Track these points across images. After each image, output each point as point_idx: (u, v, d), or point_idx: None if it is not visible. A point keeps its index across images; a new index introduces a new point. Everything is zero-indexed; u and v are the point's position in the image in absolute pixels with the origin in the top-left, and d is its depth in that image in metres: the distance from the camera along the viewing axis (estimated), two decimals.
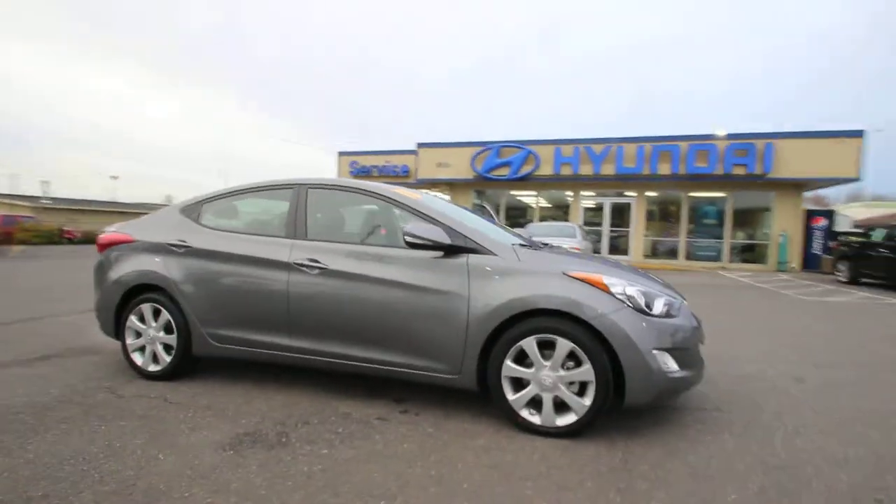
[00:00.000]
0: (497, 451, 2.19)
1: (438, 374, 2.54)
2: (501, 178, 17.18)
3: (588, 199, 17.68)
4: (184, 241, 3.12)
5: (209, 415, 2.59)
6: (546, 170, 16.60)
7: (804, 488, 1.91)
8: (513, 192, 18.96)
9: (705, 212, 16.28)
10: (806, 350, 4.37)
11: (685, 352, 2.39)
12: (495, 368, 2.42)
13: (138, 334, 3.18)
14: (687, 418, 2.62)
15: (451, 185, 19.19)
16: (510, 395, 2.40)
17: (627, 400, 2.27)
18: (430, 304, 2.52)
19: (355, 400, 2.82)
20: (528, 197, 19.12)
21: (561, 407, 2.34)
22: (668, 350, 2.31)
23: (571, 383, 2.32)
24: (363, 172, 20.99)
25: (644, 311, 2.32)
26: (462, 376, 2.49)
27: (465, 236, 2.57)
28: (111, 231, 3.44)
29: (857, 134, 13.40)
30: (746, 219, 16.34)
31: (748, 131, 14.24)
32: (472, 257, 2.52)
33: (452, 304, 2.47)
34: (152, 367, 3.13)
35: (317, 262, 2.75)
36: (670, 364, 2.30)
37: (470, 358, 2.45)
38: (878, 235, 9.92)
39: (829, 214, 15.43)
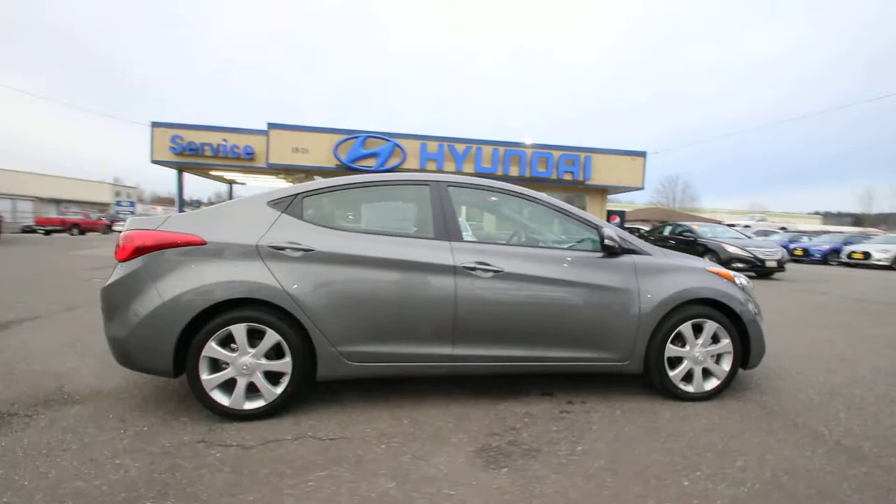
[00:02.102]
0: (691, 419, 2.62)
1: (610, 362, 2.81)
2: (368, 170, 16.90)
3: None
4: (298, 244, 2.53)
5: (402, 441, 2.29)
6: (412, 164, 17.07)
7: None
8: None
9: None
10: None
11: None
12: (658, 351, 2.83)
13: (218, 366, 2.46)
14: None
15: (307, 173, 17.91)
16: (671, 373, 2.85)
17: (751, 363, 2.98)
18: (606, 300, 2.76)
19: (510, 400, 2.84)
20: None
21: (705, 375, 2.92)
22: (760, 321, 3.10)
23: (712, 356, 2.92)
24: (192, 150, 17.73)
25: (749, 295, 3.06)
26: (631, 362, 2.82)
27: (626, 239, 2.88)
28: (156, 228, 2.49)
29: (642, 154, 17.99)
30: None
31: (577, 145, 17.51)
32: (636, 257, 2.86)
33: (626, 299, 2.78)
34: (250, 405, 2.47)
35: (488, 265, 2.65)
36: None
37: (640, 345, 2.80)
38: (666, 230, 13.70)
39: (621, 214, 20.21)
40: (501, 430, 2.44)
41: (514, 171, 17.30)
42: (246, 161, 18.04)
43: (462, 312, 2.61)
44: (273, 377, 2.51)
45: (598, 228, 2.88)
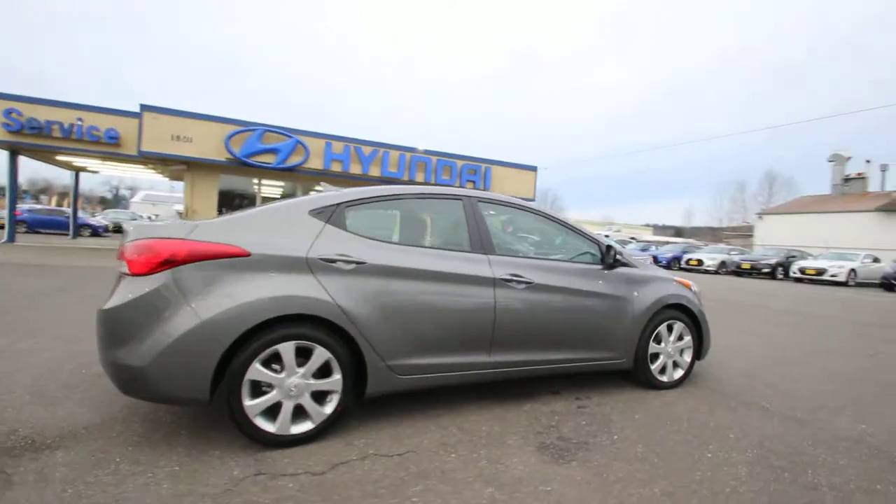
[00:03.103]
0: (675, 405, 3.15)
1: (611, 360, 3.23)
2: (266, 166, 15.67)
3: None
4: (349, 256, 2.44)
5: (467, 449, 2.38)
6: (316, 164, 16.30)
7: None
8: (263, 181, 17.37)
9: None
10: None
11: None
12: (644, 349, 3.34)
13: (258, 389, 2.26)
14: None
15: (190, 165, 15.91)
16: (651, 367, 3.39)
17: (702, 355, 3.67)
18: (610, 306, 3.18)
19: (530, 401, 3.08)
20: (273, 187, 17.89)
21: (673, 367, 3.52)
22: None
23: (679, 351, 3.53)
24: (34, 129, 14.47)
25: (699, 299, 3.77)
26: (626, 360, 3.28)
27: (621, 253, 3.34)
28: (187, 237, 2.18)
29: (533, 168, 19.79)
30: None
31: (477, 156, 18.53)
32: (627, 269, 3.33)
33: (624, 305, 3.23)
34: (297, 429, 2.32)
35: (521, 276, 2.86)
36: None
37: (632, 344, 3.28)
38: None
39: None
40: (542, 428, 2.67)
41: (419, 177, 17.61)
42: (108, 146, 15.33)
43: (500, 321, 2.78)
44: (319, 397, 2.38)
45: (600, 244, 3.29)
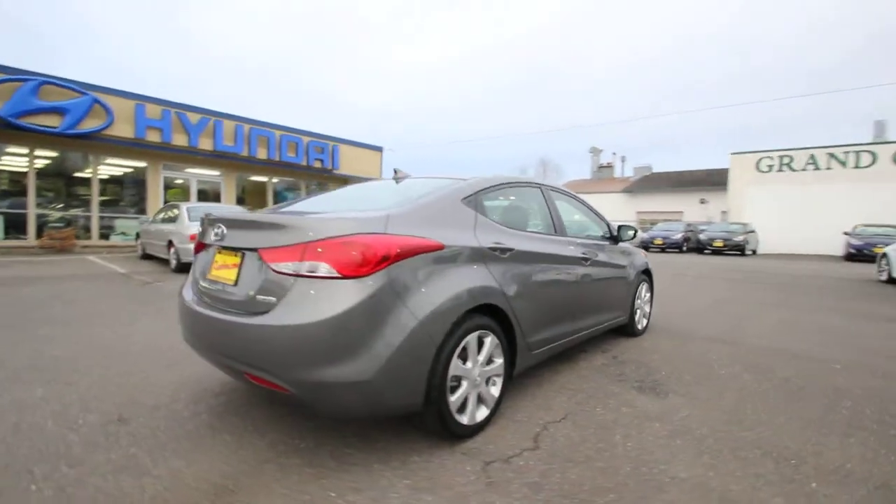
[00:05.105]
0: (663, 344, 4.17)
1: (618, 319, 4.04)
2: (48, 131, 11.74)
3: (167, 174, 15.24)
4: (502, 244, 2.53)
5: (597, 402, 2.82)
6: (124, 130, 12.99)
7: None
8: (39, 153, 12.91)
9: (285, 196, 18.38)
10: None
11: None
12: (632, 306, 4.27)
13: (452, 385, 2.26)
14: None
15: None
16: (636, 317, 4.36)
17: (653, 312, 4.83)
18: (622, 275, 3.97)
19: (576, 360, 3.65)
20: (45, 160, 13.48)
21: (643, 317, 4.57)
22: None
23: (646, 304, 4.60)
24: None
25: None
26: (625, 317, 4.15)
27: (636, 231, 4.14)
28: (386, 232, 1.96)
29: (379, 149, 19.87)
30: None
31: (325, 133, 17.59)
32: (622, 244, 4.17)
33: (627, 273, 4.07)
34: (479, 416, 2.39)
35: (586, 255, 3.36)
36: None
37: (628, 303, 4.16)
38: None
39: None
40: (615, 376, 3.28)
41: (261, 154, 15.84)
42: None
43: (582, 293, 3.25)
44: (491, 382, 2.46)
45: (609, 224, 4.03)
